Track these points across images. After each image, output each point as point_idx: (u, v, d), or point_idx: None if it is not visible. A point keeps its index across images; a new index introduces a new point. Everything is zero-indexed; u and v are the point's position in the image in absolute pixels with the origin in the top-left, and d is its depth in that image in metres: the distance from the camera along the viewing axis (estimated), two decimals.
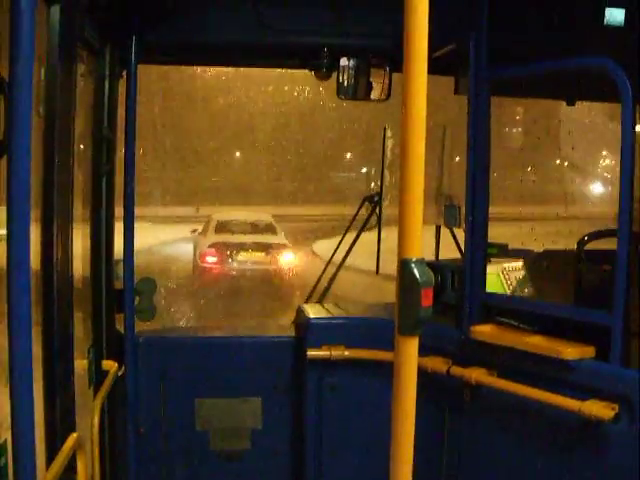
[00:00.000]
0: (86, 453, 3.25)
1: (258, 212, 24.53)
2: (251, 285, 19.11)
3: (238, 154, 45.37)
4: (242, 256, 20.14)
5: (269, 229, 22.36)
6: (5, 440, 2.33)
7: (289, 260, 21.06)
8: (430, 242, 5.04)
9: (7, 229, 2.15)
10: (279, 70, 5.83)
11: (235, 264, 20.07)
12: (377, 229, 5.72)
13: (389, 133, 5.66)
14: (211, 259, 20.37)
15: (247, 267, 20.04)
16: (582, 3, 3.90)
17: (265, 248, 20.54)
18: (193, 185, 38.77)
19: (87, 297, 4.34)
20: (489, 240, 4.50)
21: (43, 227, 3.02)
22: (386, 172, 5.68)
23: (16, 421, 2.24)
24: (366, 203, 5.70)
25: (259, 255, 20.32)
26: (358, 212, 5.81)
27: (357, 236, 5.82)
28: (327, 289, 5.82)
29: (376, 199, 5.66)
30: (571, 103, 6.05)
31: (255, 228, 22.27)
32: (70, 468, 3.06)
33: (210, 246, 20.60)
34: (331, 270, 5.88)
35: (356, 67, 4.89)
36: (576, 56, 3.83)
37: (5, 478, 2.37)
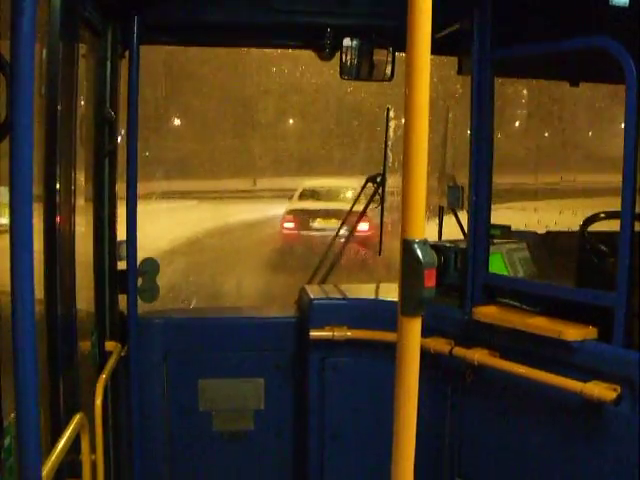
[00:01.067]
0: (90, 433, 3.26)
1: (348, 180, 23.52)
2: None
3: (291, 121, 43.13)
4: (318, 223, 20.30)
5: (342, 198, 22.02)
6: (10, 420, 2.34)
7: (363, 229, 20.87)
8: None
9: (10, 209, 2.15)
10: None
11: (311, 230, 20.26)
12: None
13: (392, 114, 5.65)
14: (288, 225, 20.85)
15: (323, 234, 19.44)
16: None
17: (342, 216, 20.45)
18: (243, 156, 35.68)
19: (90, 278, 4.34)
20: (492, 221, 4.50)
21: (46, 208, 3.02)
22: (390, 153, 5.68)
23: (20, 401, 2.25)
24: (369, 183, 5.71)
25: (335, 222, 20.11)
26: (361, 192, 5.80)
27: (360, 216, 5.83)
28: (330, 270, 5.82)
29: (379, 179, 5.65)
30: (575, 84, 6.03)
31: (338, 196, 22.13)
32: (74, 448, 3.08)
33: (289, 212, 21.09)
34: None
35: (359, 47, 4.86)
36: (580, 36, 3.82)
37: (10, 457, 2.38)
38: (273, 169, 34.60)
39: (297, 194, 22.81)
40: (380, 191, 5.66)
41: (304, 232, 20.29)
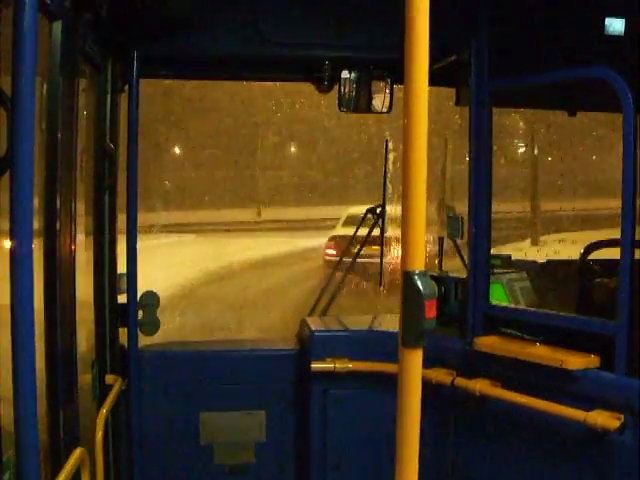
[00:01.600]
0: (90, 468, 3.24)
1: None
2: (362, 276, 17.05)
3: (293, 149, 41.17)
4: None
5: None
6: (9, 455, 2.33)
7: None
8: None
9: (10, 244, 2.15)
10: None
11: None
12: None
13: (391, 146, 5.67)
14: (330, 251, 20.71)
15: (363, 260, 19.75)
16: (582, 13, 3.90)
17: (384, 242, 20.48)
18: (246, 186, 34.09)
19: (90, 311, 4.33)
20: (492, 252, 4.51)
21: (46, 241, 3.02)
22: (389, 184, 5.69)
23: (20, 435, 2.23)
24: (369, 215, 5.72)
25: (376, 249, 20.04)
26: (361, 224, 5.81)
27: (360, 248, 5.83)
28: (331, 302, 5.82)
29: (378, 210, 5.66)
30: (572, 114, 6.06)
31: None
32: None
33: (330, 239, 21.02)
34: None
35: (357, 79, 4.89)
36: (576, 66, 3.84)
37: None
38: (277, 198, 33.67)
39: (341, 221, 22.27)
40: (380, 222, 5.67)
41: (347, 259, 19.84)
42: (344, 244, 19.88)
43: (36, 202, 2.29)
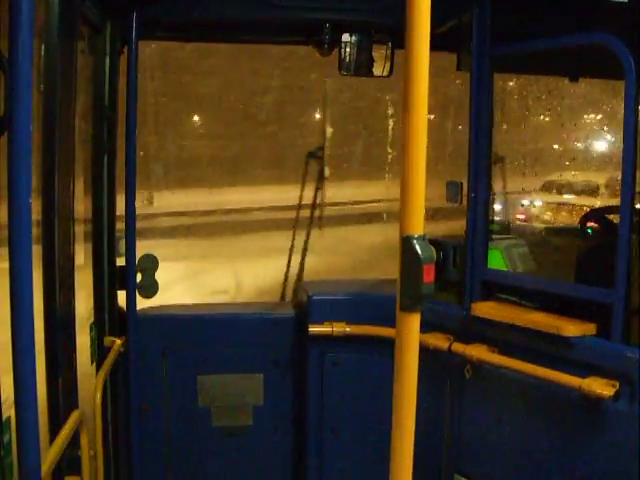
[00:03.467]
0: (89, 429, 3.27)
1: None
2: None
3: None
4: (547, 216, 21.30)
5: (591, 192, 22.12)
6: (9, 416, 2.34)
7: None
8: None
9: (8, 206, 2.15)
10: None
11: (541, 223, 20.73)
12: None
13: (390, 111, 5.64)
14: (520, 216, 21.26)
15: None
16: None
17: (569, 210, 21.33)
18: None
19: (89, 274, 4.34)
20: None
21: (44, 204, 3.02)
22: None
23: (19, 397, 2.25)
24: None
25: (564, 216, 21.04)
26: (306, 170, 5.77)
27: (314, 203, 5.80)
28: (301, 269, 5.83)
29: (319, 154, 5.65)
30: (574, 80, 6.03)
31: (579, 190, 22.42)
32: (73, 444, 3.08)
33: (522, 205, 21.68)
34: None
35: (358, 43, 4.85)
36: (579, 32, 3.82)
37: (9, 454, 2.38)
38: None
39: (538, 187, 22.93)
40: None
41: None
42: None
43: (34, 163, 2.27)
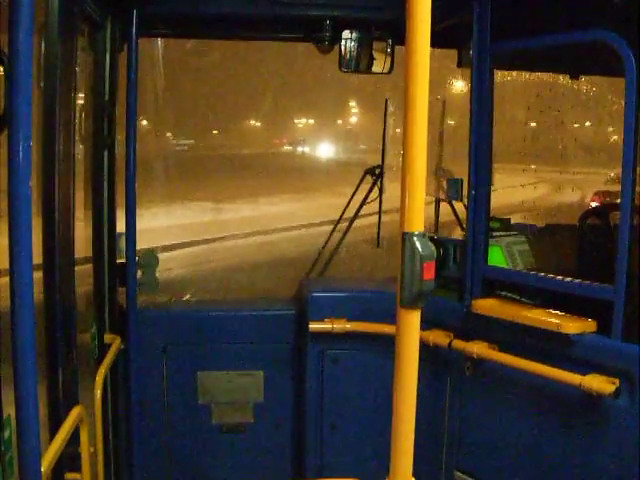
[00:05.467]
0: (89, 426, 3.27)
1: None
2: None
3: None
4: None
5: None
6: (9, 413, 2.34)
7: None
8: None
9: (8, 203, 2.15)
10: None
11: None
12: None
13: (391, 108, 5.63)
14: (593, 203, 23.46)
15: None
16: None
17: None
18: None
19: (89, 270, 4.34)
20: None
21: (45, 200, 3.01)
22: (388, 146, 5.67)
23: (20, 394, 2.25)
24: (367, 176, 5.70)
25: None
26: (359, 185, 5.79)
27: (359, 209, 5.82)
28: (329, 262, 5.82)
29: (377, 171, 5.64)
30: (575, 77, 6.03)
31: None
32: (73, 441, 3.08)
33: (595, 194, 24.24)
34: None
35: (359, 40, 4.86)
36: (579, 29, 3.81)
37: (9, 450, 2.38)
38: None
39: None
40: (379, 183, 5.65)
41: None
42: (605, 197, 22.00)
43: (34, 160, 2.27)
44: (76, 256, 3.45)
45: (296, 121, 65.61)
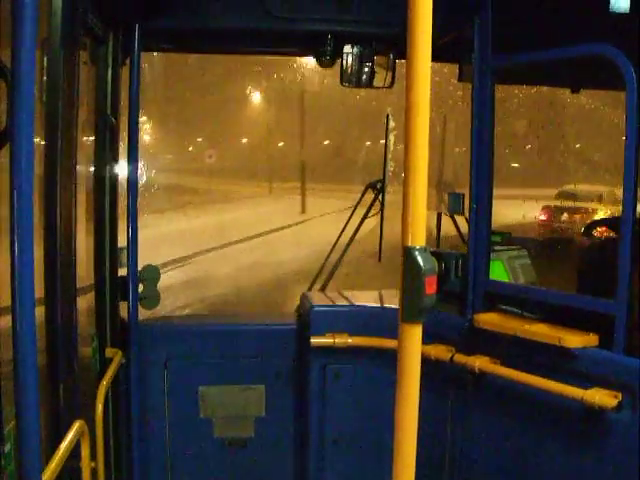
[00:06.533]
0: (90, 440, 3.26)
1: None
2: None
3: None
4: (564, 217, 25.93)
5: (598, 199, 26.85)
6: (10, 427, 2.34)
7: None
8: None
9: (10, 217, 2.15)
10: None
11: (557, 223, 25.81)
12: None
13: (392, 124, 5.64)
14: (542, 217, 26.69)
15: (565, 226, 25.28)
16: None
17: (581, 212, 25.76)
18: None
19: (91, 284, 4.34)
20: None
21: (46, 215, 3.02)
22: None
23: (21, 408, 2.24)
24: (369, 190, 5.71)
25: (577, 217, 25.58)
26: (361, 199, 5.80)
27: (361, 222, 5.82)
28: (330, 276, 5.82)
29: (379, 186, 5.65)
30: (576, 91, 6.04)
31: (591, 198, 27.10)
32: (74, 455, 3.07)
33: (543, 208, 26.86)
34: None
35: (360, 54, 4.87)
36: (580, 43, 3.82)
37: (10, 464, 2.37)
38: None
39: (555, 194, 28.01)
40: (380, 198, 5.66)
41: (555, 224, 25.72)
42: (553, 212, 25.19)
43: (36, 175, 2.27)
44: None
45: None
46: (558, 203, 26.94)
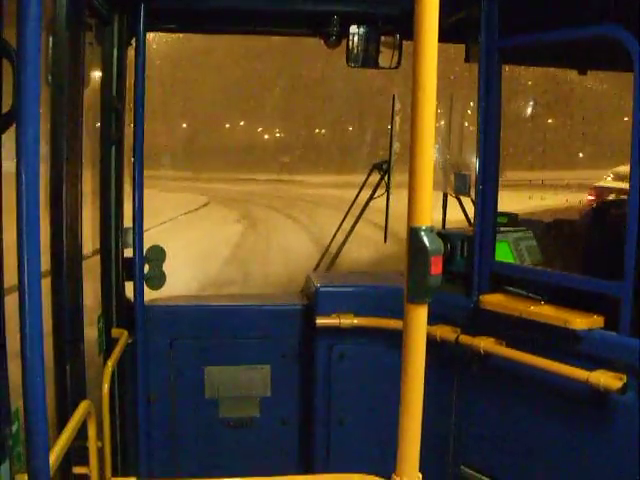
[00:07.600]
0: (96, 420, 3.28)
1: None
2: None
3: None
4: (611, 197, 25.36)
5: None
6: (17, 407, 2.35)
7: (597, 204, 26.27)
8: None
9: (17, 198, 2.15)
10: None
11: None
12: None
13: (398, 106, 5.62)
14: (590, 197, 24.70)
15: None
16: None
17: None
18: None
19: (97, 265, 4.35)
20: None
21: (53, 196, 3.02)
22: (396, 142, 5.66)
23: (27, 388, 2.25)
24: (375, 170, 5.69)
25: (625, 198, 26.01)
26: (367, 180, 5.78)
27: (366, 204, 5.81)
28: (336, 257, 5.82)
29: (384, 166, 5.64)
30: (583, 72, 6.00)
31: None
32: (81, 435, 3.09)
33: (591, 188, 25.27)
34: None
35: (366, 35, 4.85)
36: (587, 24, 3.80)
37: (17, 444, 2.39)
38: None
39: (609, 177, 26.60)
40: (386, 178, 5.65)
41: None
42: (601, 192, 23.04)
43: (42, 156, 2.27)
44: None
45: None
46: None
